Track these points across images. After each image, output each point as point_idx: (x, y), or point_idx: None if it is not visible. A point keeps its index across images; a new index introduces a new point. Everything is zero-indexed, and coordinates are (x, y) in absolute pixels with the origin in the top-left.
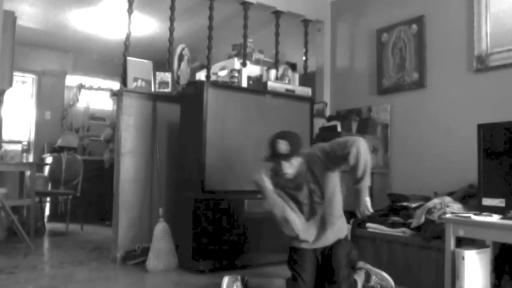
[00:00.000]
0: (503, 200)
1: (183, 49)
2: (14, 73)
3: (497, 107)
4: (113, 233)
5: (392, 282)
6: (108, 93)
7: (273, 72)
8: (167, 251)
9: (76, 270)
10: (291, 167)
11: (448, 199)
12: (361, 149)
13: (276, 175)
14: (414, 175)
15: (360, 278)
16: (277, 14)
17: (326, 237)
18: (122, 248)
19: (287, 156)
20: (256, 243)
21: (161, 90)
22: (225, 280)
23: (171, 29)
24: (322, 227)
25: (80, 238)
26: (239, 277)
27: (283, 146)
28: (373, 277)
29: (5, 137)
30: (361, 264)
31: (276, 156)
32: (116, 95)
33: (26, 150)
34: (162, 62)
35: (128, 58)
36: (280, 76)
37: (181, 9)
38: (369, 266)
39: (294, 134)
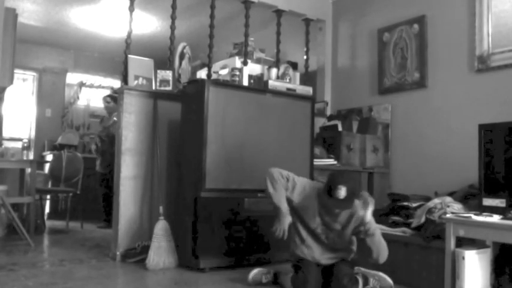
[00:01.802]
0: (503, 200)
1: (184, 47)
2: (15, 70)
3: (498, 107)
4: (112, 231)
5: (390, 281)
6: (108, 91)
7: (274, 71)
8: (167, 249)
9: (76, 267)
10: (341, 209)
11: (448, 199)
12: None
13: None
14: (415, 175)
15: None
16: (279, 12)
17: (331, 258)
18: (121, 246)
19: (341, 204)
20: (257, 242)
21: (162, 88)
22: (254, 270)
23: (172, 27)
24: (331, 251)
25: (79, 236)
26: (272, 271)
27: (342, 193)
28: (371, 279)
29: (5, 135)
30: (355, 269)
31: (332, 199)
32: (117, 93)
33: (27, 148)
34: (163, 60)
35: (129, 56)
36: (281, 75)
37: (183, 7)
38: (364, 269)
39: (353, 180)
